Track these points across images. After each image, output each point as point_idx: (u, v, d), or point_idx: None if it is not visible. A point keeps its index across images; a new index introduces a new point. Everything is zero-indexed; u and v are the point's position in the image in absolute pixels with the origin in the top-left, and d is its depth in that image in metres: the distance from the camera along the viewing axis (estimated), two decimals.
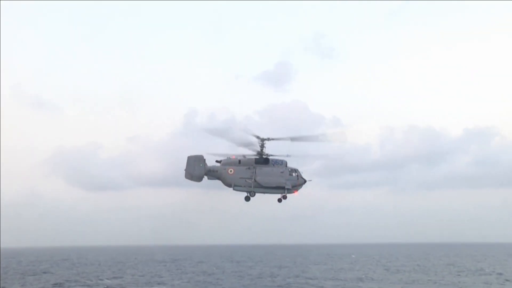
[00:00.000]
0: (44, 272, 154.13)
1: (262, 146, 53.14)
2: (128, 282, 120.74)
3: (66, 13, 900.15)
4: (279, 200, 54.42)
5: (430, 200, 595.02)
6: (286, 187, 53.66)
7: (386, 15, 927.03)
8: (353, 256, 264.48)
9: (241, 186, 53.34)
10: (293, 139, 51.65)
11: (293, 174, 54.27)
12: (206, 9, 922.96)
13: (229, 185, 53.59)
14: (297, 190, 54.79)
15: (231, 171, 53.36)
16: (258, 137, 52.49)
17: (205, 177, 53.53)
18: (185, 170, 52.77)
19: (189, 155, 52.87)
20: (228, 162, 53.80)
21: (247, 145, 52.88)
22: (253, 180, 53.07)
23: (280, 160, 54.14)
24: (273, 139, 52.33)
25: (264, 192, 53.93)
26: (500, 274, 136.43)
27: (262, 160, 53.49)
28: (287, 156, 54.11)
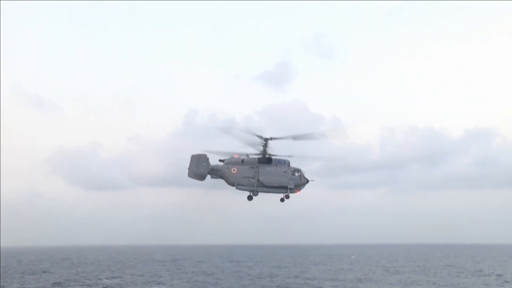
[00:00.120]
0: (44, 272, 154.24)
1: (265, 145, 53.26)
2: (127, 281, 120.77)
3: (66, 13, 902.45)
4: (282, 200, 54.56)
5: (430, 201, 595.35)
6: (289, 186, 53.82)
7: (386, 15, 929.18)
8: (353, 256, 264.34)
9: (244, 185, 53.42)
10: (295, 137, 51.81)
11: (296, 174, 54.46)
12: (206, 9, 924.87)
13: (232, 184, 53.68)
14: (299, 189, 54.99)
15: (234, 170, 53.47)
16: (261, 137, 52.63)
17: (208, 176, 53.59)
18: (188, 168, 52.87)
19: (192, 153, 52.92)
20: (231, 161, 53.93)
21: (250, 144, 53.00)
22: (256, 179, 53.20)
23: (283, 160, 54.32)
24: (275, 138, 52.47)
25: (267, 192, 54.04)
26: (500, 275, 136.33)
27: (265, 159, 53.64)
28: (289, 156, 54.31)
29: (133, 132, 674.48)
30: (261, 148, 53.41)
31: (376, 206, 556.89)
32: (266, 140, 52.84)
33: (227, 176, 53.46)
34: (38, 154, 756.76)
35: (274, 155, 53.83)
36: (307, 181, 55.11)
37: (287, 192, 54.11)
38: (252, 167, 53.51)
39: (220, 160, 54.23)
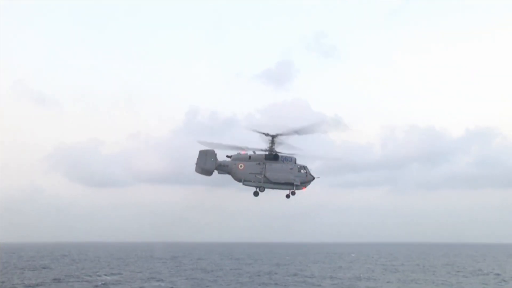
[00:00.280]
0: (44, 268, 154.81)
1: (272, 142, 53.68)
2: (126, 278, 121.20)
3: (67, 11, 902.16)
4: (287, 196, 54.97)
5: (430, 200, 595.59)
6: (295, 183, 54.15)
7: (387, 15, 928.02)
8: (353, 255, 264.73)
9: (250, 181, 53.76)
10: (298, 132, 52.11)
11: (302, 171, 54.75)
12: (207, 8, 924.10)
13: (239, 180, 54.01)
14: (305, 186, 55.36)
15: (241, 166, 53.82)
16: (267, 134, 53.01)
17: (215, 171, 53.98)
18: (196, 164, 53.24)
19: (200, 149, 53.31)
20: (238, 158, 54.30)
21: (257, 141, 53.51)
22: (262, 175, 53.61)
23: (289, 157, 54.69)
24: (281, 134, 52.83)
25: (273, 188, 54.42)
26: (498, 274, 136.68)
27: (272, 156, 54.01)
28: (292, 154, 54.70)
29: (134, 129, 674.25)
30: (268, 145, 53.84)
31: (376, 205, 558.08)
32: (272, 137, 53.25)
33: (234, 172, 53.84)
34: (38, 150, 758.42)
35: (280, 152, 54.34)
36: (313, 178, 55.55)
37: (293, 189, 54.47)
38: (259, 164, 53.88)
39: (227, 156, 54.59)
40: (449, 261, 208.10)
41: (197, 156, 53.45)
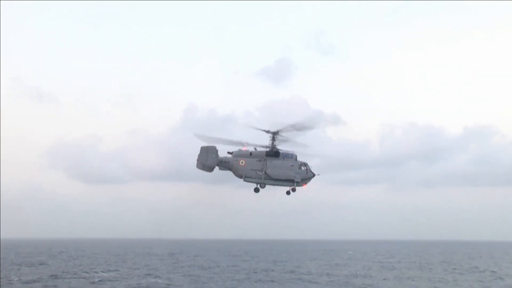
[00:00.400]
0: (41, 264, 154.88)
1: (273, 139, 53.93)
2: (123, 275, 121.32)
3: (66, 7, 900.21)
4: (288, 193, 55.36)
5: (428, 198, 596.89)
6: (296, 180, 54.54)
7: (386, 13, 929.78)
8: (350, 252, 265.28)
9: (251, 178, 54.19)
10: (296, 128, 52.32)
11: (303, 167, 55.20)
12: (206, 6, 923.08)
13: (240, 176, 54.38)
14: (306, 183, 55.73)
15: (242, 162, 54.17)
16: (268, 131, 53.23)
17: (216, 168, 54.16)
18: (197, 160, 53.46)
19: (202, 145, 53.54)
20: (239, 154, 54.65)
21: (255, 138, 53.79)
22: (263, 172, 54.01)
23: (290, 154, 55.07)
24: (281, 130, 53.05)
25: (274, 184, 54.85)
26: (494, 272, 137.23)
27: (273, 153, 54.41)
28: (292, 151, 54.98)
29: (132, 126, 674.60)
30: (269, 142, 54.07)
31: (375, 203, 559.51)
32: (273, 134, 53.43)
33: (235, 168, 54.19)
34: (37, 147, 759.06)
35: (280, 149, 54.60)
36: (313, 175, 55.93)
37: (293, 186, 54.90)
38: (260, 160, 54.26)
39: (228, 153, 54.86)
40: (446, 258, 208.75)
41: (196, 152, 53.79)
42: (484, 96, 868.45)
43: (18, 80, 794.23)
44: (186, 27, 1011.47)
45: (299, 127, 52.40)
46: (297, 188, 54.98)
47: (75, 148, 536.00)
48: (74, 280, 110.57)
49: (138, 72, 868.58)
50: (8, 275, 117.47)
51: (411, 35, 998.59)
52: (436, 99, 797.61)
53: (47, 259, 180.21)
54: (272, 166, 54.07)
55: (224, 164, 54.12)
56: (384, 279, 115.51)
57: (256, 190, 54.51)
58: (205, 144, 53.50)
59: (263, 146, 54.46)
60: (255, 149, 54.68)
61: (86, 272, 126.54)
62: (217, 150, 53.64)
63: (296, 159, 55.11)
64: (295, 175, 54.42)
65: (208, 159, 53.26)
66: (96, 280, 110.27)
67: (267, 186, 54.46)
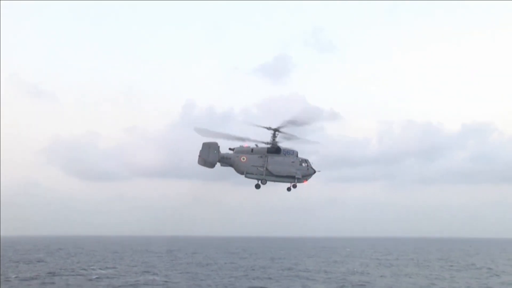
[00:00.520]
0: (39, 261, 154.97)
1: (274, 135, 54.18)
2: (121, 272, 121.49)
3: (65, 5, 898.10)
4: (289, 189, 55.57)
5: (426, 195, 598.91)
6: (297, 176, 54.69)
7: (385, 11, 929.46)
8: (348, 249, 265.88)
9: (253, 174, 54.33)
10: (295, 124, 52.55)
11: (304, 164, 55.25)
12: (205, 3, 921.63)
13: (241, 173, 54.52)
14: (306, 180, 55.90)
15: (243, 159, 54.34)
16: (269, 128, 53.48)
17: (217, 164, 54.40)
18: (199, 156, 53.61)
19: (204, 141, 53.63)
20: (241, 150, 54.79)
21: (253, 135, 53.96)
22: (264, 168, 54.23)
23: (291, 150, 55.26)
24: (282, 127, 53.29)
25: (275, 181, 55.07)
26: (490, 269, 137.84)
27: (274, 149, 54.57)
28: (293, 149, 55.25)
29: (131, 123, 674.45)
30: (270, 138, 54.33)
31: (373, 200, 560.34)
32: (274, 130, 53.72)
33: (236, 165, 54.37)
34: (35, 144, 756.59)
35: (281, 146, 54.93)
36: (314, 172, 56.20)
37: (294, 182, 55.10)
38: (261, 157, 54.44)
39: (230, 149, 55.03)
40: (443, 255, 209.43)
41: (195, 149, 54.04)
42: (482, 93, 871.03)
43: (16, 77, 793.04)
44: (185, 25, 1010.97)
45: (298, 123, 52.63)
46: (298, 184, 55.28)
47: (74, 145, 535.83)
48: (72, 277, 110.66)
49: (136, 69, 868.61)
50: (6, 272, 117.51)
51: (409, 32, 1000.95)
52: (434, 96, 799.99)
53: (45, 256, 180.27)
54: (273, 162, 54.28)
55: (225, 161, 54.30)
56: (381, 276, 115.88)
57: (257, 186, 54.73)
58: (204, 138, 53.74)
59: (264, 143, 54.81)
60: (256, 145, 54.94)
61: (84, 269, 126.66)
62: (218, 146, 53.81)
63: (297, 156, 55.27)
64: (296, 171, 54.54)
65: (210, 155, 53.43)
66: (94, 277, 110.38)
67: (268, 183, 54.82)
